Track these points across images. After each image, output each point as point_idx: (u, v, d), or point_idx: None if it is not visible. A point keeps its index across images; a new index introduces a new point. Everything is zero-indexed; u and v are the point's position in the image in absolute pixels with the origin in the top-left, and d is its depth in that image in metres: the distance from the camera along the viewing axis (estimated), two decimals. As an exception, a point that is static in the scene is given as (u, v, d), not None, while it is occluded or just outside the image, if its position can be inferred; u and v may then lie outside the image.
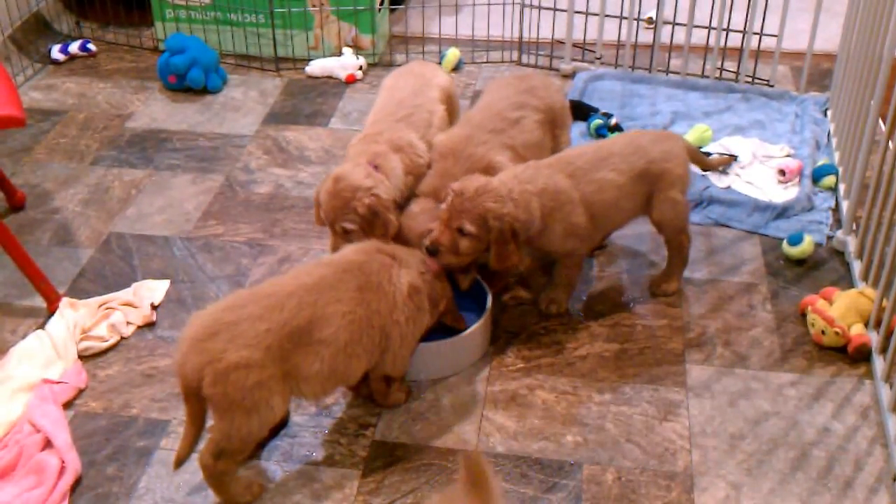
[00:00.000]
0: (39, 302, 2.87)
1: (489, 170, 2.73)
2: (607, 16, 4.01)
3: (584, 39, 4.17)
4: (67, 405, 2.57)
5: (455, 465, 2.37)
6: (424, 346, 2.54)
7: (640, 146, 2.76)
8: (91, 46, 4.27)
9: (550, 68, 4.15)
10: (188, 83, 3.94)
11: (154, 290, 2.92)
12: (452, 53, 4.13)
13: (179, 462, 2.24)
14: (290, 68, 4.14)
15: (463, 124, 2.92)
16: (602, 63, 4.10)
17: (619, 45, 4.11)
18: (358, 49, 4.17)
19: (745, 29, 3.84)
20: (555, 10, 4.14)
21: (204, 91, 3.97)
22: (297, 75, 4.11)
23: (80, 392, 2.61)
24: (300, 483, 2.35)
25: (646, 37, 4.17)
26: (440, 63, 4.12)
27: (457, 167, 2.75)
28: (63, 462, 2.37)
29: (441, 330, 2.59)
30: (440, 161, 2.81)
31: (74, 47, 4.23)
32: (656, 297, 2.90)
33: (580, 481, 2.34)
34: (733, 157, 3.42)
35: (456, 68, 4.14)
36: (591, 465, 2.38)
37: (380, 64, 4.19)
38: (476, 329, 2.63)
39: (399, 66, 4.09)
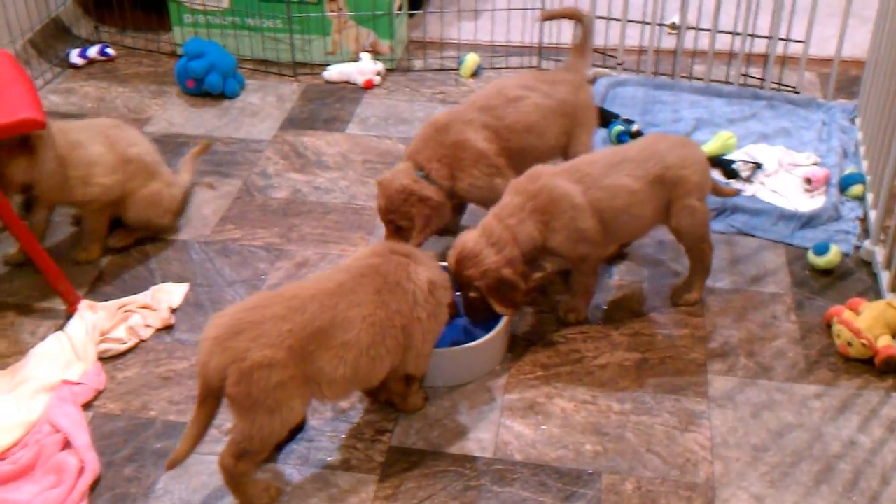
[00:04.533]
0: (59, 304, 2.87)
1: (458, 147, 2.85)
2: (629, 21, 3.98)
3: (606, 45, 4.14)
4: (86, 406, 2.56)
5: (472, 472, 2.34)
6: (442, 351, 2.52)
7: (657, 151, 2.72)
8: (110, 51, 4.27)
9: (571, 75, 4.12)
10: (206, 88, 3.93)
11: (172, 293, 2.91)
12: (471, 59, 4.11)
13: (174, 464, 2.23)
14: (308, 73, 4.13)
15: (468, 101, 3.02)
16: (624, 69, 4.07)
17: (641, 51, 4.07)
18: (376, 54, 4.15)
19: (770, 34, 3.80)
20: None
21: (222, 96, 3.96)
22: (314, 80, 4.09)
23: (99, 393, 2.60)
24: (316, 487, 2.33)
25: (669, 42, 4.14)
26: (459, 69, 4.10)
27: (435, 138, 2.89)
28: (82, 462, 2.36)
29: (459, 337, 2.57)
30: (426, 128, 2.94)
31: (93, 52, 4.24)
32: (678, 306, 2.86)
33: (599, 491, 2.31)
34: (758, 165, 3.38)
35: (475, 74, 4.11)
36: (611, 475, 2.35)
37: (398, 70, 4.17)
38: (494, 336, 2.60)
39: (417, 71, 4.11)
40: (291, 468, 2.38)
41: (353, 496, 2.30)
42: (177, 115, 3.86)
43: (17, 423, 2.48)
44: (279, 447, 2.40)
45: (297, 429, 2.45)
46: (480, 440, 2.44)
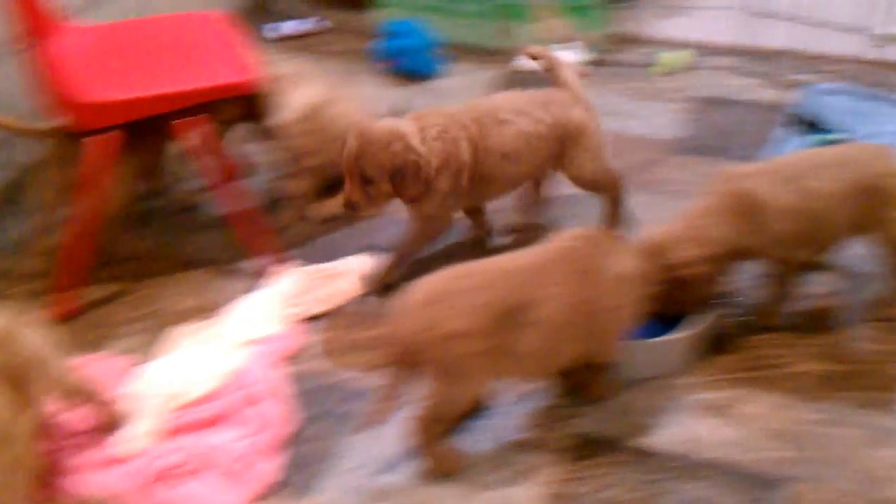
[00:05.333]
0: (257, 266, 2.99)
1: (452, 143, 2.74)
2: (839, 30, 3.83)
3: (814, 52, 4.01)
4: (281, 364, 2.67)
5: (655, 467, 2.33)
6: (634, 343, 2.51)
7: (857, 158, 2.62)
8: (310, 27, 4.39)
9: (776, 78, 4.01)
10: (404, 68, 4.02)
11: (367, 262, 2.99)
12: (670, 56, 4.05)
13: (371, 425, 2.33)
14: (511, 60, 4.15)
15: (466, 106, 2.88)
16: (834, 77, 3.93)
17: (854, 60, 3.92)
18: (580, 45, 4.14)
19: None
20: (782, 19, 4.00)
21: (420, 77, 4.04)
22: (516, 68, 4.11)
23: (294, 353, 2.71)
24: (496, 463, 2.37)
25: (885, 52, 3.97)
26: (656, 65, 4.04)
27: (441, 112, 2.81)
28: (275, 417, 2.47)
29: (654, 331, 2.55)
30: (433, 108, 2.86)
31: (293, 27, 4.36)
32: (877, 321, 2.76)
33: (785, 499, 2.26)
34: None
35: (673, 72, 4.04)
36: (798, 483, 2.29)
37: (602, 62, 4.14)
38: (687, 334, 2.58)
39: (616, 65, 4.08)
40: (478, 441, 2.42)
41: (533, 477, 2.33)
42: (371, 93, 3.93)
43: (214, 374, 2.62)
44: (468, 418, 2.45)
45: (483, 405, 2.49)
46: (665, 436, 2.43)
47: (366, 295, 2.90)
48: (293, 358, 2.70)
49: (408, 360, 2.26)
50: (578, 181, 2.98)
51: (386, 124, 2.70)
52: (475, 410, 2.46)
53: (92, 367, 2.59)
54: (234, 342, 2.71)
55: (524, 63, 4.07)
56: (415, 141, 2.69)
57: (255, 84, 2.87)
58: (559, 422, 2.47)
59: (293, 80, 3.13)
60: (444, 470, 2.33)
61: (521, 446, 2.41)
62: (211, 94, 2.77)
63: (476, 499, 2.28)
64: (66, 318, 2.81)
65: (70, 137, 2.78)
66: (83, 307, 2.84)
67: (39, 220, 2.96)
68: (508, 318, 2.22)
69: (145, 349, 2.69)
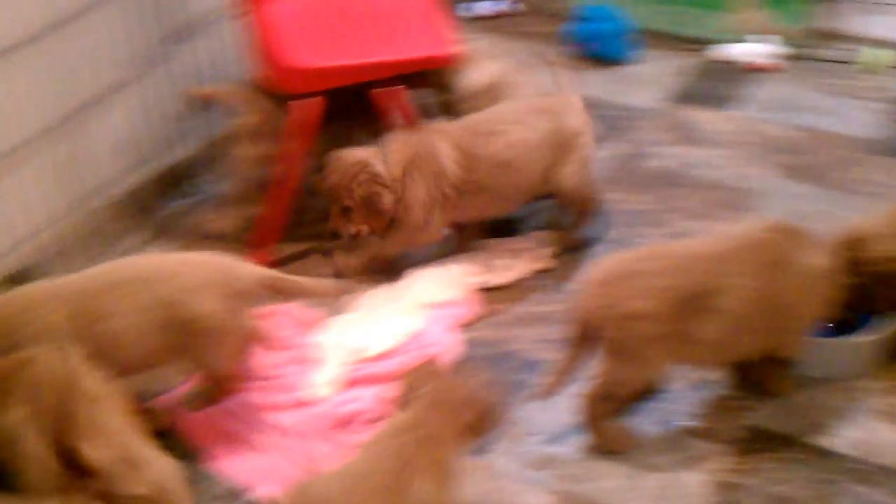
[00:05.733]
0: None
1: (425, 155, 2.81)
2: None
3: None
4: (458, 330, 2.75)
5: (832, 467, 2.29)
6: (820, 341, 2.47)
7: None
8: (504, 8, 4.43)
9: None
10: (595, 53, 4.02)
11: (547, 239, 3.04)
12: (876, 55, 3.90)
13: (544, 396, 2.37)
14: (705, 49, 4.09)
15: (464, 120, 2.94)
16: None
17: None
18: (779, 38, 4.04)
19: None
20: None
21: (611, 61, 4.04)
22: (710, 57, 4.06)
23: (471, 321, 2.78)
24: (667, 447, 2.38)
25: None
26: (857, 63, 3.90)
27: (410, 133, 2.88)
28: (450, 378, 2.55)
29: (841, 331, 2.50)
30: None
31: (488, 7, 4.41)
32: None
33: (968, 515, 2.18)
34: None
35: (879, 71, 3.89)
36: (981, 501, 2.21)
37: (799, 57, 4.02)
38: (878, 337, 2.51)
39: (816, 60, 3.96)
40: (649, 424, 2.44)
41: (703, 464, 2.32)
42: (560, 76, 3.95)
43: (394, 333, 2.72)
44: (641, 400, 2.46)
45: (657, 387, 2.50)
46: (844, 437, 2.37)
47: (544, 270, 2.95)
48: (470, 325, 2.77)
49: (585, 337, 2.30)
50: (561, 192, 2.96)
51: (355, 153, 2.81)
52: (648, 393, 2.47)
53: (283, 316, 2.75)
54: (414, 305, 2.81)
55: (719, 52, 4.03)
56: (380, 168, 2.78)
57: (453, 59, 2.95)
58: (731, 413, 2.45)
59: (478, 58, 3.19)
60: (610, 447, 2.36)
61: (690, 433, 2.41)
62: (413, 65, 2.88)
63: (641, 479, 2.30)
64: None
65: (277, 101, 2.94)
66: (277, 262, 3.00)
67: (240, 179, 3.13)
68: (690, 303, 2.22)
69: (333, 304, 2.83)
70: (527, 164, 2.88)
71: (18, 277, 2.71)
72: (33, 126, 2.80)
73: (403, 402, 2.22)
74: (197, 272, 2.34)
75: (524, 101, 3.00)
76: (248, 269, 2.43)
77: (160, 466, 2.05)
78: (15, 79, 2.71)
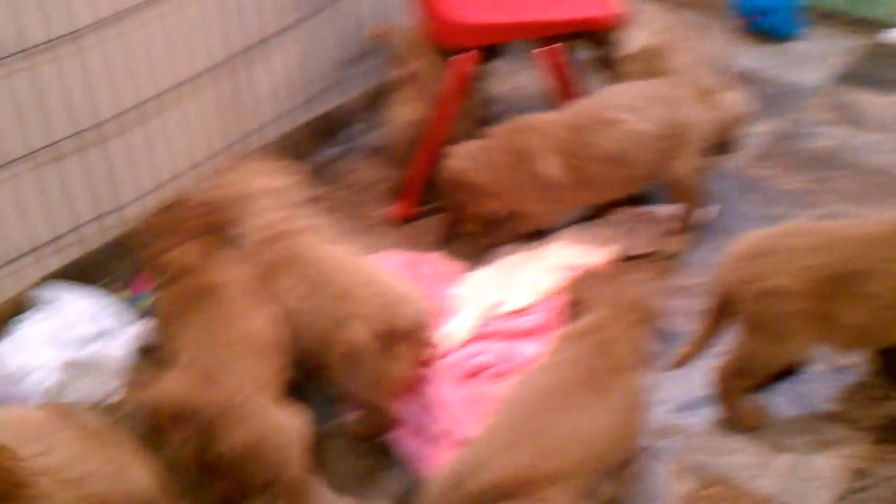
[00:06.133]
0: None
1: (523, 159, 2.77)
2: None
3: None
4: (594, 293, 2.75)
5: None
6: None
7: None
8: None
9: None
10: (762, 27, 3.91)
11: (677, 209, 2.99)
12: None
13: (677, 365, 2.36)
14: (876, 32, 3.93)
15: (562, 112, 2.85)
16: None
17: None
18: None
19: None
20: None
21: (778, 37, 3.92)
22: (881, 40, 3.89)
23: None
24: (801, 429, 2.33)
25: None
26: None
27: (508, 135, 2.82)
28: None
29: None
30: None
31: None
32: None
33: None
34: None
35: None
36: None
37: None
38: None
39: None
40: (782, 403, 2.39)
41: (840, 448, 2.27)
42: (719, 48, 3.78)
43: (529, 291, 2.74)
44: (776, 379, 2.41)
45: (797, 368, 2.44)
46: None
47: (683, 242, 2.91)
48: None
49: (724, 310, 2.26)
50: (671, 184, 2.86)
51: (455, 161, 2.81)
52: (786, 372, 2.41)
53: (424, 265, 2.81)
54: (553, 266, 2.82)
55: (891, 36, 3.86)
56: (478, 177, 2.78)
57: (615, 21, 2.92)
58: (871, 400, 2.38)
59: (641, 21, 3.14)
60: (742, 424, 2.32)
61: (827, 417, 2.35)
62: (574, 25, 2.87)
63: (771, 458, 2.26)
64: (406, 220, 3.04)
65: (438, 55, 2.98)
66: (423, 213, 3.05)
67: (393, 131, 3.19)
68: (837, 284, 2.15)
69: (473, 258, 2.86)
70: (637, 157, 2.79)
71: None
72: (200, 63, 2.92)
73: (574, 312, 2.22)
74: None
75: (639, 86, 2.89)
76: None
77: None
78: (188, 16, 2.82)
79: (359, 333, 2.16)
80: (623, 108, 2.77)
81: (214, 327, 2.17)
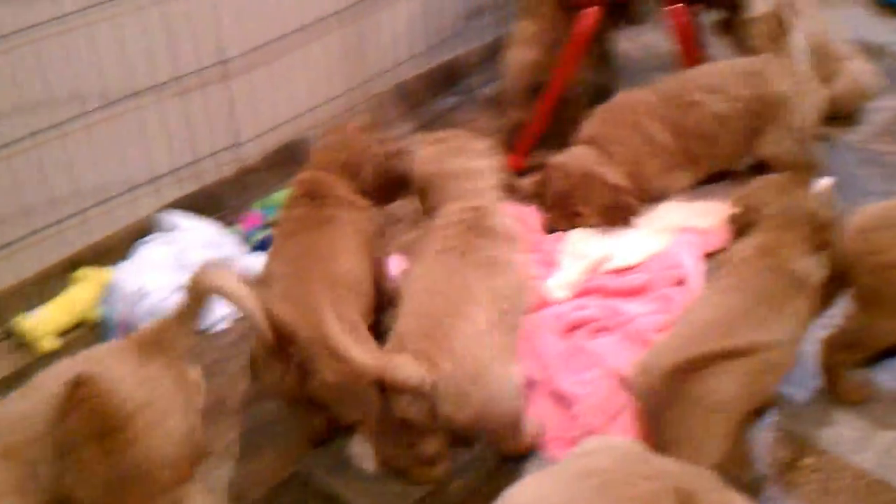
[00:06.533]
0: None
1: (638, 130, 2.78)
2: None
3: None
4: (703, 258, 2.73)
5: None
6: None
7: None
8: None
9: None
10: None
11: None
12: None
13: None
14: None
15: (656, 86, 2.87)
16: None
17: None
18: None
19: None
20: None
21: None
22: None
23: (714, 251, 2.73)
24: (906, 407, 2.29)
25: None
26: None
27: (613, 119, 2.84)
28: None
29: None
30: (602, 111, 2.87)
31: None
32: None
33: None
34: None
35: None
36: None
37: None
38: None
39: None
40: (888, 380, 2.35)
41: (946, 428, 2.23)
42: (846, 17, 3.66)
43: (637, 250, 2.75)
44: (883, 355, 2.36)
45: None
46: None
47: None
48: (712, 255, 2.74)
49: (838, 282, 2.23)
50: (764, 160, 2.78)
51: (578, 161, 2.80)
52: (893, 349, 2.36)
53: (531, 217, 2.85)
54: (664, 227, 2.81)
55: None
56: (613, 177, 2.78)
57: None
58: (980, 382, 2.33)
59: None
60: (845, 397, 2.29)
61: (936, 397, 2.31)
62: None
63: (873, 433, 2.23)
64: (517, 172, 3.05)
65: (561, 9, 2.97)
66: (532, 167, 3.07)
67: (511, 83, 3.20)
68: (957, 261, 2.11)
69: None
70: (724, 136, 2.81)
71: (284, 151, 2.92)
72: (328, 6, 2.97)
73: (742, 225, 2.23)
74: None
75: (730, 63, 2.88)
76: None
77: None
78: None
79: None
80: (704, 89, 2.79)
81: (317, 257, 2.17)
